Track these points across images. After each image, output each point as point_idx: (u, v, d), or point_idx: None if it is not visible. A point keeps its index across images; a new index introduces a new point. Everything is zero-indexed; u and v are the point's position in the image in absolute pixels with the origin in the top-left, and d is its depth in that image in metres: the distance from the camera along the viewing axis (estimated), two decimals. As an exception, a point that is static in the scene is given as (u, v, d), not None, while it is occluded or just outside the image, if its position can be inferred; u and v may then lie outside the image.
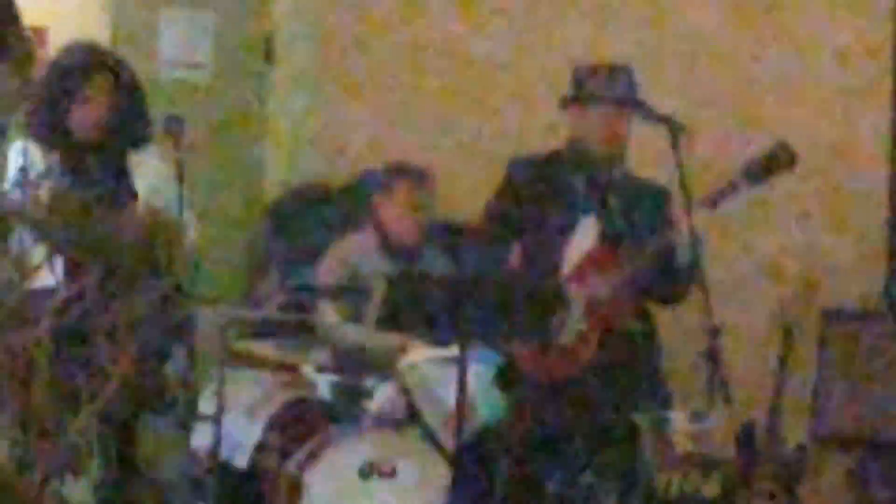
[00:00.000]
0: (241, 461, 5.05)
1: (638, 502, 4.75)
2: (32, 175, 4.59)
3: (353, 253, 5.54)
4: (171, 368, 4.68)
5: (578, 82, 5.00)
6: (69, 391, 4.06)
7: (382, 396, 5.09)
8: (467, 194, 5.85)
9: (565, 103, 5.04)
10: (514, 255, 5.00)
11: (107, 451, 4.36)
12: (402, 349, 5.24)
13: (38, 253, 4.39)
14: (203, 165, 6.02)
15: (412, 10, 6.38)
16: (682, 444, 4.92)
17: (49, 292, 4.26)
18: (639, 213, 4.95)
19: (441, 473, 4.81)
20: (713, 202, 4.75)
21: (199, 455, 4.93)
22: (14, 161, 4.67)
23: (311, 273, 5.61)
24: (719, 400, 4.42)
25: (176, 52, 6.42)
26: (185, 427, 4.86)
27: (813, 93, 6.46)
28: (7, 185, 4.59)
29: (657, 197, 4.99)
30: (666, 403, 4.94)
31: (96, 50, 5.00)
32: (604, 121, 4.92)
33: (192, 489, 4.98)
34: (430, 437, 5.03)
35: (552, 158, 5.06)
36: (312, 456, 4.88)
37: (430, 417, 5.10)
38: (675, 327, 5.24)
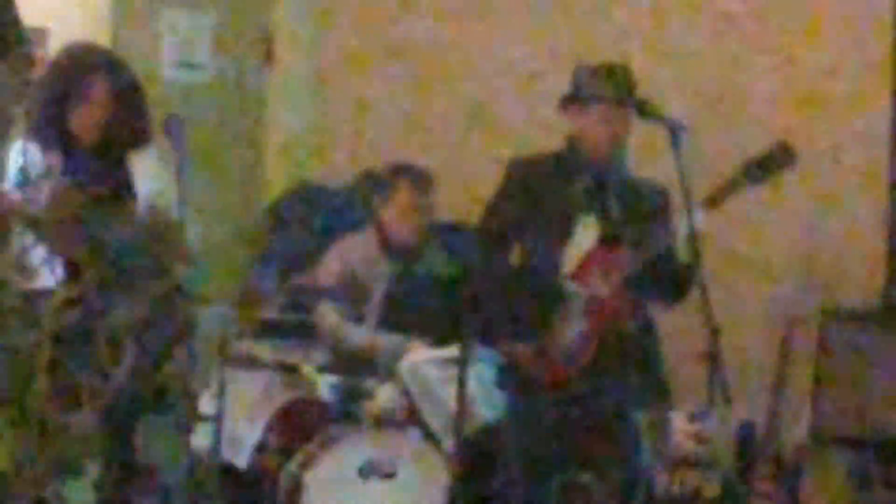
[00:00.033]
0: (241, 461, 5.06)
1: (638, 502, 4.75)
2: (32, 175, 4.58)
3: (354, 254, 5.54)
4: (171, 369, 4.68)
5: (578, 82, 5.00)
6: (69, 391, 4.06)
7: (383, 397, 5.09)
8: (467, 195, 5.85)
9: (565, 104, 5.04)
10: (514, 256, 5.00)
11: (107, 451, 4.35)
12: (403, 349, 5.24)
13: (38, 253, 4.39)
14: (203, 166, 6.02)
15: (412, 11, 6.39)
16: (682, 444, 4.93)
17: (49, 292, 4.26)
18: (639, 213, 4.95)
19: (441, 474, 4.82)
20: (713, 202, 4.74)
21: (199, 455, 4.93)
22: (14, 161, 4.66)
23: (311, 273, 5.61)
24: (719, 400, 4.42)
25: (176, 52, 6.42)
26: (186, 427, 4.86)
27: (813, 92, 6.46)
28: (7, 185, 4.59)
29: (657, 197, 4.98)
30: (666, 403, 4.95)
31: (96, 50, 4.99)
32: (603, 121, 4.92)
33: (193, 490, 4.98)
34: (430, 437, 5.03)
35: (552, 158, 5.05)
36: (313, 456, 4.88)
37: (431, 418, 5.10)
38: (675, 327, 5.24)
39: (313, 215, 6.08)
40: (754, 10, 6.46)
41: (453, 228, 5.74)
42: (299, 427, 5.04)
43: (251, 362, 5.16)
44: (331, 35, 6.36)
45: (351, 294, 5.36)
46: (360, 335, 5.36)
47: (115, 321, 4.23)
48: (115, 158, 4.89)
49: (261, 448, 5.05)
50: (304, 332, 5.32)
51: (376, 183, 5.69)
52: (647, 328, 4.96)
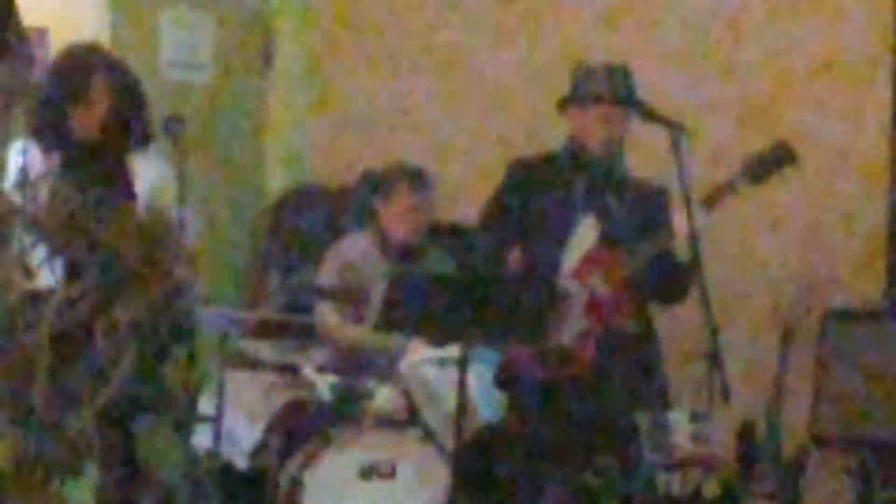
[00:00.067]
0: (241, 462, 5.06)
1: (638, 503, 4.75)
2: (32, 175, 4.58)
3: (353, 254, 5.54)
4: (171, 369, 4.68)
5: (577, 82, 5.00)
6: (69, 391, 4.06)
7: (382, 397, 5.09)
8: (467, 195, 5.85)
9: (563, 105, 5.04)
10: (514, 256, 5.00)
11: (107, 451, 4.35)
12: (402, 350, 5.24)
13: (38, 253, 4.38)
14: (203, 166, 6.02)
15: (412, 12, 6.39)
16: (682, 445, 4.93)
17: (49, 292, 4.26)
18: (638, 212, 4.95)
19: (441, 474, 4.82)
20: (713, 202, 4.75)
21: (198, 455, 4.93)
22: (14, 161, 4.66)
23: (311, 274, 5.61)
24: (719, 400, 4.42)
25: (176, 53, 6.42)
26: (185, 428, 4.86)
27: (813, 93, 6.46)
28: (7, 186, 4.59)
29: (657, 197, 4.99)
30: (666, 403, 4.95)
31: (97, 51, 4.99)
32: (602, 121, 4.92)
33: (193, 490, 4.98)
34: (430, 437, 5.03)
35: (552, 158, 5.06)
36: (312, 457, 4.88)
37: (430, 418, 5.10)
38: (675, 327, 5.24)
39: (314, 215, 6.08)
40: (753, 8, 6.46)
41: (453, 229, 5.74)
42: (299, 427, 5.04)
43: (251, 362, 5.16)
44: (331, 35, 6.36)
45: (350, 294, 5.36)
46: (360, 335, 5.36)
47: (115, 321, 4.22)
48: (116, 159, 4.89)
49: (260, 448, 5.05)
50: (304, 332, 5.32)
51: (376, 183, 5.69)
52: (647, 328, 4.97)
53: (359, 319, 5.40)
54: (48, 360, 3.98)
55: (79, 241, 4.32)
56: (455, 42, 6.39)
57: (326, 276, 5.50)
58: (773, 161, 4.78)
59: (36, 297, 4.15)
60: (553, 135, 5.23)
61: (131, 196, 4.86)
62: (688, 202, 4.53)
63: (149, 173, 4.92)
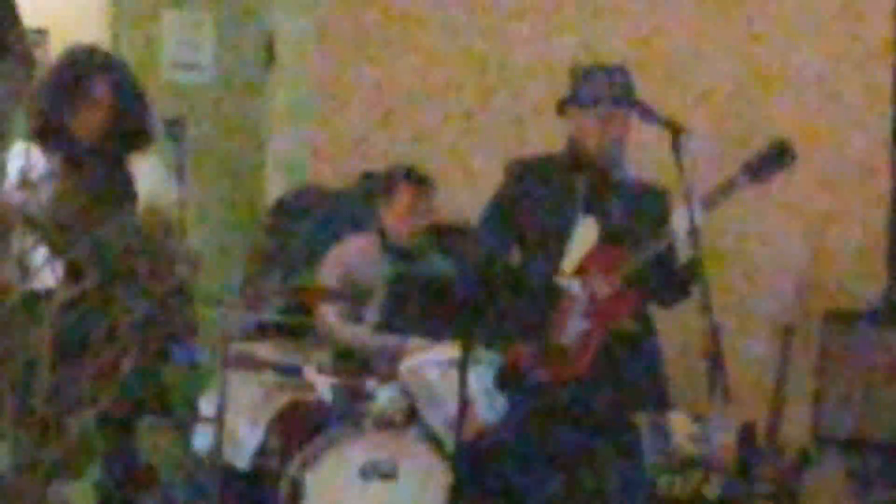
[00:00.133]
0: (242, 463, 5.06)
1: (639, 503, 4.76)
2: (34, 176, 4.58)
3: (354, 255, 5.55)
4: (172, 370, 4.68)
5: (576, 84, 5.00)
6: (70, 393, 4.06)
7: (383, 398, 5.09)
8: (467, 196, 5.85)
9: (562, 106, 5.04)
10: (514, 256, 5.00)
11: (108, 452, 4.35)
12: (403, 351, 5.25)
13: (39, 254, 4.39)
14: (204, 167, 6.03)
15: (412, 12, 6.39)
16: (683, 445, 4.93)
17: (50, 293, 4.26)
18: (638, 213, 4.95)
19: (442, 475, 4.82)
20: (713, 201, 4.75)
21: (200, 457, 4.93)
22: (15, 162, 4.67)
23: (312, 275, 5.61)
24: (720, 401, 4.42)
25: (177, 54, 6.43)
26: (186, 429, 4.86)
27: (813, 93, 6.46)
28: (8, 187, 4.59)
29: (657, 198, 4.98)
30: (666, 404, 4.95)
31: (98, 52, 4.99)
32: (602, 122, 4.92)
33: (194, 491, 4.99)
34: (431, 438, 5.03)
35: (552, 159, 5.06)
36: (313, 457, 4.88)
37: (431, 419, 5.10)
38: (676, 328, 5.24)
39: (314, 217, 6.08)
40: (753, 8, 6.46)
41: (454, 230, 5.74)
42: (300, 428, 5.04)
43: (252, 364, 5.16)
44: (331, 35, 6.36)
45: (351, 295, 5.36)
46: (361, 336, 5.35)
47: (115, 322, 4.22)
48: (117, 160, 4.89)
49: (261, 449, 5.05)
50: (305, 333, 5.32)
51: (377, 185, 5.69)
52: (648, 328, 4.96)
53: (359, 320, 5.40)
54: (49, 361, 3.98)
55: (80, 243, 4.33)
56: (456, 44, 6.39)
57: (328, 277, 5.50)
58: (773, 161, 4.78)
59: (36, 298, 4.15)
60: (553, 135, 5.24)
61: (132, 197, 4.86)
62: (688, 203, 4.53)
63: (149, 175, 4.93)
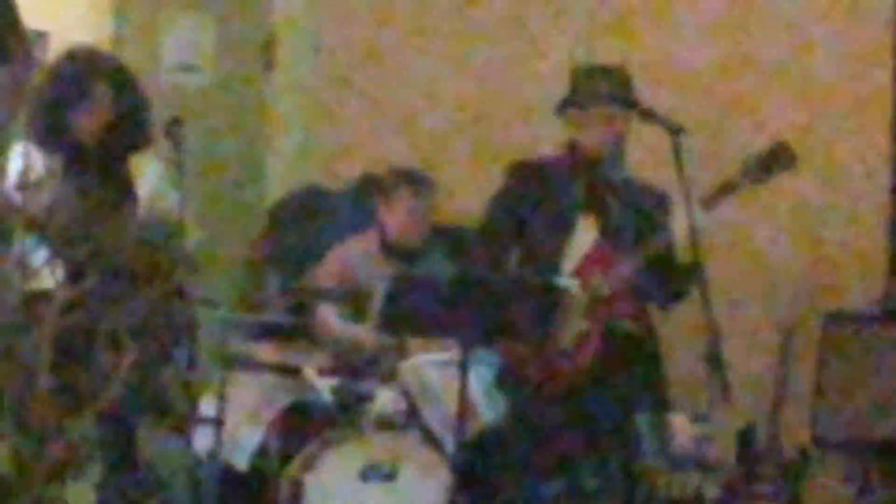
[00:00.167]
0: (241, 464, 5.06)
1: (639, 504, 4.77)
2: (34, 178, 4.58)
3: (354, 256, 5.55)
4: (172, 371, 4.68)
5: (576, 84, 5.01)
6: (70, 394, 4.06)
7: (383, 399, 5.09)
8: (468, 197, 5.85)
9: (563, 106, 5.05)
10: (515, 257, 5.01)
11: (108, 453, 4.35)
12: (403, 352, 5.25)
13: (39, 255, 4.39)
14: (204, 169, 6.03)
15: (413, 13, 6.39)
16: (682, 446, 4.93)
17: (50, 294, 4.26)
18: (638, 213, 4.95)
19: (442, 476, 4.82)
20: (712, 202, 4.75)
21: (199, 458, 4.93)
22: (15, 164, 4.67)
23: (312, 276, 5.61)
24: (720, 401, 4.42)
25: (177, 55, 6.43)
26: (186, 430, 4.86)
27: (813, 94, 6.46)
28: (8, 188, 4.59)
29: (657, 199, 4.99)
30: (666, 405, 4.95)
31: (97, 54, 5.00)
32: (601, 122, 4.93)
33: (193, 492, 4.98)
34: (431, 439, 5.03)
35: (552, 160, 5.07)
36: (313, 458, 4.88)
37: (431, 420, 5.10)
38: (676, 328, 5.24)
39: (314, 218, 6.08)
40: (754, 7, 6.46)
41: (454, 231, 5.75)
42: (300, 429, 5.04)
43: (252, 364, 5.17)
44: (331, 36, 6.36)
45: (351, 296, 5.36)
46: (361, 336, 5.36)
47: (115, 323, 4.22)
48: (116, 161, 4.90)
49: (261, 450, 5.05)
50: (305, 334, 5.32)
51: (377, 186, 5.70)
52: (648, 329, 4.97)
53: (359, 322, 5.40)
54: (49, 362, 3.98)
55: (80, 244, 4.33)
56: (457, 45, 6.39)
57: (328, 278, 5.50)
58: (773, 162, 4.79)
59: (37, 299, 4.15)
60: (553, 136, 5.24)
61: (132, 199, 4.87)
62: (688, 203, 4.53)
63: (149, 176, 4.93)
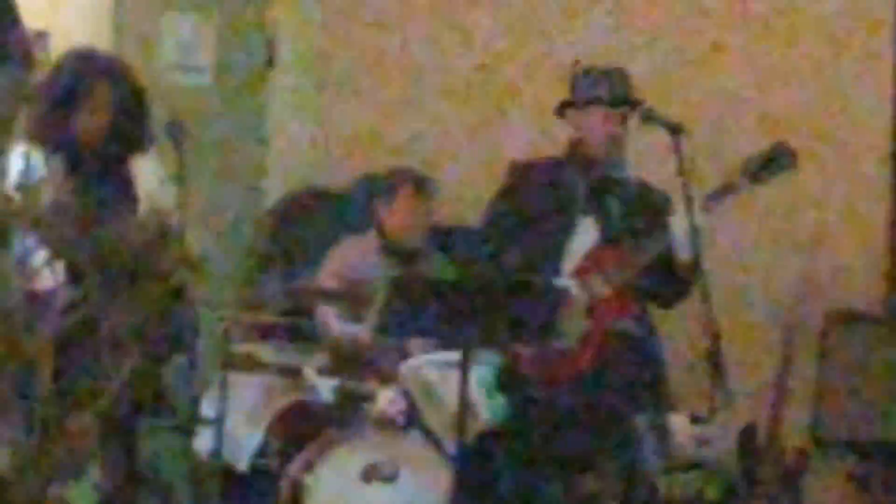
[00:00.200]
0: (242, 464, 5.06)
1: (639, 504, 4.76)
2: (34, 178, 4.58)
3: (355, 257, 5.55)
4: (173, 372, 4.68)
5: (576, 85, 5.01)
6: (71, 394, 4.06)
7: (384, 399, 5.09)
8: (468, 198, 5.85)
9: (564, 108, 5.05)
10: (515, 258, 5.01)
11: (108, 454, 4.35)
12: (403, 351, 5.25)
13: (39, 256, 4.39)
14: (204, 169, 6.02)
15: (415, 14, 6.39)
16: (683, 446, 4.92)
17: (51, 295, 4.26)
18: (638, 213, 4.96)
19: (443, 477, 4.81)
20: (713, 202, 4.75)
21: (200, 458, 4.93)
22: (16, 165, 4.67)
23: (312, 277, 5.61)
24: (720, 402, 4.42)
25: (177, 56, 6.42)
26: (187, 430, 4.86)
27: (814, 93, 6.46)
28: (9, 189, 4.59)
29: (657, 198, 4.99)
30: (667, 405, 4.95)
31: (98, 55, 5.00)
32: (602, 123, 4.93)
33: (194, 493, 4.99)
34: (431, 440, 5.03)
35: (553, 161, 5.07)
36: (314, 459, 4.88)
37: (432, 420, 5.10)
38: (676, 329, 5.24)
39: (314, 218, 6.08)
40: (753, 7, 6.46)
41: (454, 232, 5.75)
42: (300, 430, 5.04)
43: (252, 365, 5.16)
44: (332, 37, 6.36)
45: (351, 297, 5.36)
46: (361, 337, 5.36)
47: (116, 324, 4.22)
48: (117, 162, 4.90)
49: (262, 452, 5.05)
50: (305, 334, 5.32)
51: (378, 186, 5.70)
52: (648, 329, 4.97)
53: (359, 322, 5.40)
54: (50, 363, 3.98)
55: (80, 245, 4.33)
56: (457, 46, 6.39)
57: (327, 278, 5.50)
58: (773, 162, 4.79)
59: (37, 299, 4.16)
60: (554, 137, 5.24)
61: (132, 199, 4.87)
62: (688, 204, 4.53)
63: (150, 177, 4.93)
